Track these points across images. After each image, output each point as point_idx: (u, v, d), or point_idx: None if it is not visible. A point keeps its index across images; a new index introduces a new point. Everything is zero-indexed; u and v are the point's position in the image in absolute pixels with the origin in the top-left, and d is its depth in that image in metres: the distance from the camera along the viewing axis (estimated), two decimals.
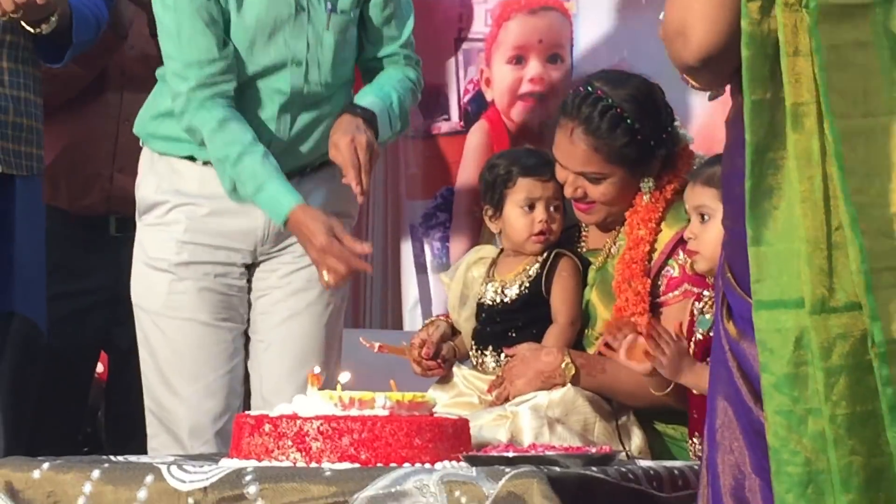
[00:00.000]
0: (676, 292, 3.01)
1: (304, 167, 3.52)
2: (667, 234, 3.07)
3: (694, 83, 2.23)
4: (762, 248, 2.03)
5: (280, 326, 3.51)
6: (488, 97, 4.69)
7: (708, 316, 2.87)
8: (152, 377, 3.49)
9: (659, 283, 3.06)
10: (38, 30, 3.45)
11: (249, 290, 3.53)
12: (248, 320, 3.54)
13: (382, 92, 3.50)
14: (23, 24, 3.43)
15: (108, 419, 4.37)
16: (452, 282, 3.44)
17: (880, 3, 2.02)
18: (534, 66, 4.53)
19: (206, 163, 3.46)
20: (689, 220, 2.93)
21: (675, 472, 2.65)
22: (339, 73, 3.52)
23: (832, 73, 2.00)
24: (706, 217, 2.84)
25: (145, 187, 3.54)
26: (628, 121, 3.09)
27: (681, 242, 3.01)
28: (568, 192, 3.17)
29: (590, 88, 3.18)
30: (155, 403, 3.48)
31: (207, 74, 3.43)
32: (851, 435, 1.93)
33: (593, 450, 2.69)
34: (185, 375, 3.45)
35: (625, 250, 3.09)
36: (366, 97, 3.46)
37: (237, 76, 3.47)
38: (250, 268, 3.51)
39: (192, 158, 3.46)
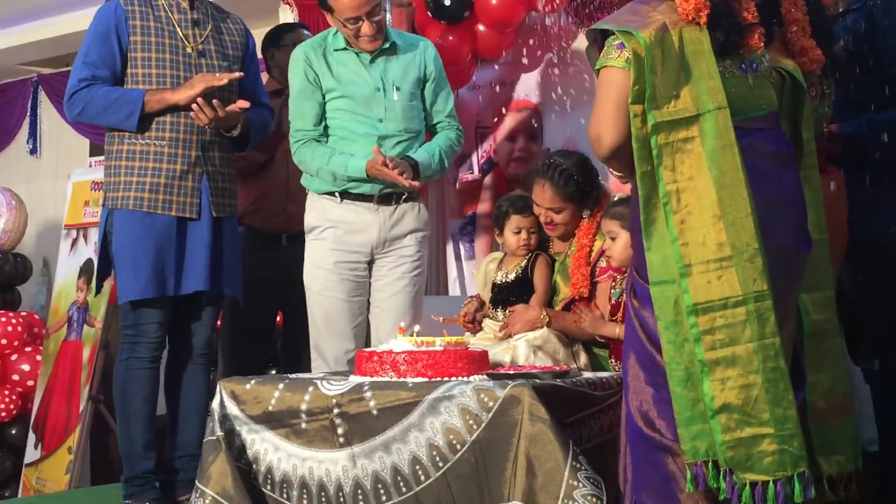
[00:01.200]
0: (604, 276, 3.56)
1: (396, 193, 3.90)
2: (598, 244, 3.61)
3: (610, 169, 2.87)
4: (652, 253, 2.62)
5: (387, 299, 3.96)
6: (495, 160, 5.41)
7: (618, 290, 3.43)
8: (314, 329, 3.96)
9: (595, 270, 3.60)
10: (230, 133, 3.94)
11: (370, 276, 3.98)
12: (370, 295, 3.99)
13: (430, 148, 3.94)
14: (221, 131, 3.92)
15: (284, 351, 5.04)
16: (479, 273, 4.09)
17: (708, 112, 2.51)
18: (520, 142, 5.22)
19: (343, 199, 3.89)
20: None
21: (604, 379, 3.08)
22: (409, 127, 3.92)
23: (665, 159, 2.54)
24: (614, 237, 3.39)
25: (308, 216, 3.98)
26: (575, 177, 3.68)
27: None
28: (542, 219, 3.74)
29: (552, 159, 3.76)
30: (315, 343, 3.96)
31: (307, 131, 3.91)
32: (706, 338, 2.49)
33: (558, 368, 3.21)
34: (331, 328, 3.91)
35: (575, 251, 3.66)
36: (419, 151, 3.90)
37: (345, 125, 3.88)
38: (370, 264, 3.96)
39: (332, 195, 3.90)
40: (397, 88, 3.91)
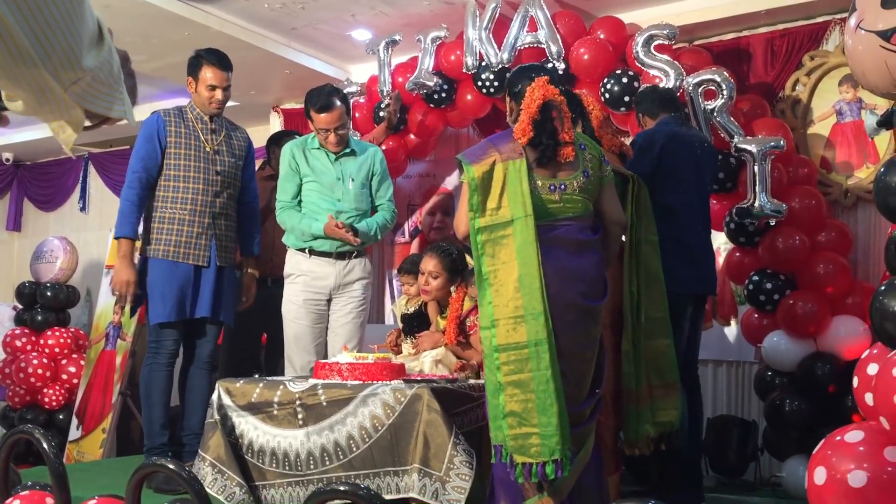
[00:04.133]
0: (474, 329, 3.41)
1: (348, 251, 3.93)
2: (468, 305, 3.55)
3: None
4: (481, 308, 2.67)
5: (339, 327, 3.98)
6: (420, 228, 5.56)
7: None
8: (287, 346, 3.99)
9: (466, 323, 3.54)
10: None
11: (329, 310, 3.99)
12: (328, 323, 3.99)
13: (370, 222, 3.99)
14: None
15: (266, 360, 4.81)
16: (396, 309, 4.14)
17: (518, 218, 2.57)
18: (438, 217, 5.40)
19: (311, 255, 3.91)
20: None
21: (481, 384, 2.98)
22: (358, 207, 3.98)
23: (487, 249, 2.63)
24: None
25: (287, 266, 4.01)
26: (452, 255, 3.70)
27: (473, 309, 3.45)
28: (420, 282, 3.73)
29: (440, 243, 3.87)
30: (287, 355, 3.99)
31: (287, 202, 3.98)
32: (503, 367, 2.57)
33: (449, 376, 3.31)
34: (299, 345, 3.96)
35: (450, 314, 3.58)
36: (362, 223, 3.94)
37: (313, 201, 3.91)
38: (329, 301, 3.99)
39: (303, 251, 3.94)
40: (352, 179, 3.99)
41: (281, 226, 4.03)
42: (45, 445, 2.34)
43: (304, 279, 3.95)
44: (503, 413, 2.56)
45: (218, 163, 3.99)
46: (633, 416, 3.03)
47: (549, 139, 2.61)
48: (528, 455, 2.52)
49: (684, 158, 3.45)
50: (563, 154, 2.63)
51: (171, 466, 2.13)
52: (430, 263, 3.73)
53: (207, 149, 3.97)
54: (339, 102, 3.89)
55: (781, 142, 3.92)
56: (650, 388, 3.04)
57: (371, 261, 5.33)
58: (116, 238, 3.85)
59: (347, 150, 4.02)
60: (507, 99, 2.87)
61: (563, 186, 2.65)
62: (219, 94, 3.94)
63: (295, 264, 3.99)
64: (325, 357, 3.98)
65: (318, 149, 4.00)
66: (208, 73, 3.91)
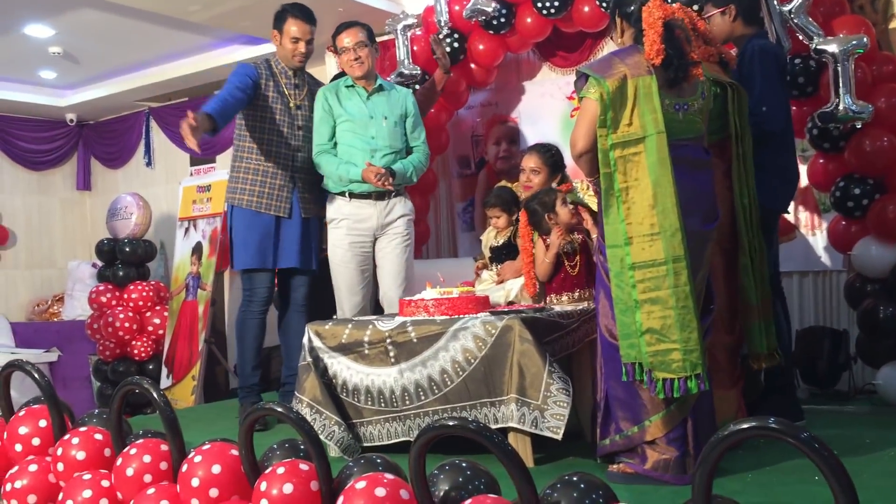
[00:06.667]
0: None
1: (387, 192, 3.93)
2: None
3: (580, 167, 2.81)
4: (608, 227, 2.67)
5: (386, 264, 4.03)
6: (486, 159, 5.43)
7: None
8: (337, 289, 4.05)
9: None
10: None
11: (374, 251, 4.04)
12: (375, 263, 4.05)
13: (406, 163, 3.99)
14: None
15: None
16: (484, 240, 4.08)
17: (651, 135, 2.55)
18: (503, 146, 5.15)
19: (351, 198, 3.94)
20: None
21: (568, 311, 3.15)
22: (392, 145, 3.97)
23: (619, 166, 2.61)
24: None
25: (329, 210, 4.05)
26: (551, 152, 3.88)
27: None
28: (522, 180, 3.85)
29: (543, 144, 3.99)
30: (337, 298, 4.05)
31: (323, 144, 3.99)
32: (639, 285, 2.58)
33: (536, 305, 3.27)
34: (349, 289, 4.03)
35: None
36: (398, 163, 3.95)
37: (348, 141, 3.92)
38: (374, 241, 4.03)
39: (343, 194, 3.98)
40: (385, 118, 3.99)
41: (318, 170, 4.04)
42: (154, 395, 2.45)
43: (347, 223, 3.99)
44: (640, 331, 2.56)
45: (300, 118, 4.07)
46: (757, 330, 3.01)
47: (680, 59, 2.60)
48: (670, 370, 2.53)
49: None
50: (694, 73, 2.65)
51: (279, 409, 2.21)
52: (531, 161, 3.85)
53: (291, 104, 4.05)
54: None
55: (864, 39, 3.74)
56: (765, 301, 3.02)
57: (438, 194, 5.35)
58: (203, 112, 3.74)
59: (377, 86, 4.03)
60: (618, 20, 2.84)
61: (685, 106, 2.65)
62: (301, 46, 4.00)
63: (337, 208, 4.02)
64: (376, 296, 4.08)
65: (350, 87, 4.02)
66: (293, 27, 3.98)
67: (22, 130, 8.20)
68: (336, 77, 4.83)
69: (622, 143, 2.58)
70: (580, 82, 2.72)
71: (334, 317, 3.99)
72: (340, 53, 4.00)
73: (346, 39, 3.96)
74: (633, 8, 2.72)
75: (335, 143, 3.98)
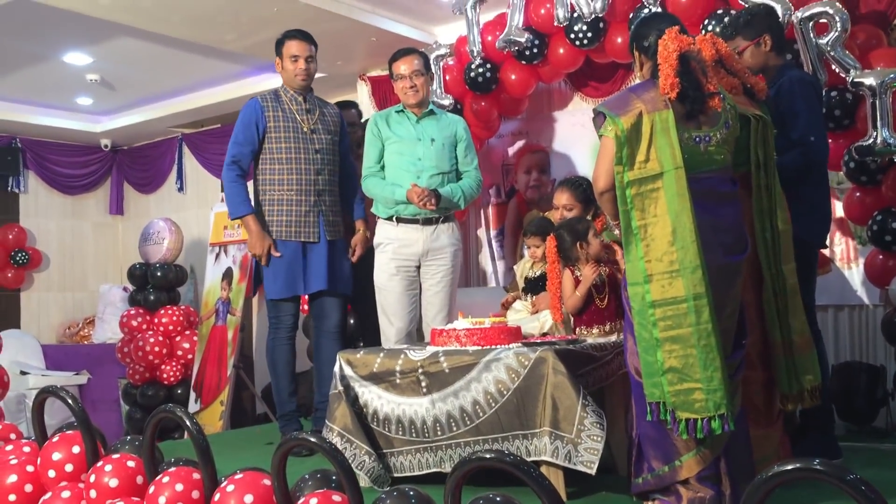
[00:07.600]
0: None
1: (435, 217, 3.95)
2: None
3: (603, 208, 2.79)
4: (629, 265, 2.64)
5: (432, 296, 4.06)
6: (516, 188, 5.44)
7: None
8: (381, 314, 4.08)
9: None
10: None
11: (419, 276, 4.06)
12: (420, 290, 4.06)
13: (454, 187, 4.01)
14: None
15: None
16: (519, 270, 4.09)
17: (668, 171, 2.53)
18: (534, 175, 5.25)
19: (399, 222, 3.97)
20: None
21: (602, 344, 3.14)
22: (439, 166, 3.99)
23: (636, 203, 2.57)
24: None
25: (377, 236, 4.10)
26: (583, 186, 3.85)
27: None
28: (556, 216, 3.81)
29: (573, 179, 3.98)
30: (381, 324, 4.07)
31: (370, 167, 4.05)
32: (660, 323, 2.52)
33: (570, 337, 3.27)
34: (393, 313, 4.03)
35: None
36: (447, 186, 3.97)
37: (395, 163, 3.97)
38: (418, 268, 4.05)
39: (391, 219, 4.04)
40: (433, 140, 4.02)
41: (366, 193, 4.08)
42: (188, 423, 2.42)
43: (393, 247, 3.99)
44: (662, 370, 2.51)
45: (316, 141, 4.09)
46: (783, 369, 2.90)
47: (696, 91, 2.57)
48: (692, 411, 2.47)
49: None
50: (711, 105, 2.60)
51: (313, 440, 2.18)
52: (562, 198, 3.85)
53: (305, 129, 4.06)
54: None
55: None
56: (798, 338, 2.90)
57: (468, 222, 5.34)
58: (236, 218, 3.99)
59: (427, 111, 4.06)
60: (637, 54, 2.83)
61: (707, 138, 2.60)
62: (302, 63, 4.04)
63: (384, 233, 4.03)
64: (420, 322, 4.06)
65: (401, 112, 4.07)
66: (291, 46, 4.05)
67: (57, 155, 8.33)
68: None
69: (639, 180, 2.55)
70: (598, 120, 2.70)
71: (378, 345, 3.98)
72: (396, 80, 4.04)
73: (403, 67, 4.01)
74: (649, 41, 2.72)
75: (382, 166, 4.02)
